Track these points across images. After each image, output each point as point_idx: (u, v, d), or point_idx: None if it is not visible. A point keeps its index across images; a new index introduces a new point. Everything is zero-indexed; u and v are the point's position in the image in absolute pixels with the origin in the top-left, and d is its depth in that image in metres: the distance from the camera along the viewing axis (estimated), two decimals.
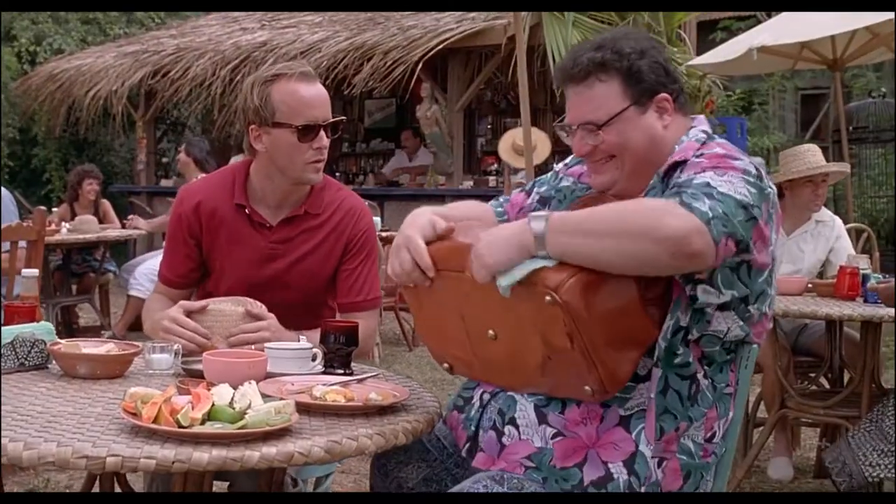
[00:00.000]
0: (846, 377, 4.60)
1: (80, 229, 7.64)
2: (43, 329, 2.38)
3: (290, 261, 2.85)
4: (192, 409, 1.85)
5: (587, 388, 1.93)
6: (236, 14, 13.78)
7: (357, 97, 12.16)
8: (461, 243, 2.05)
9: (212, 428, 1.81)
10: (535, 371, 1.98)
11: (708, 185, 1.90)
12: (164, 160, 14.60)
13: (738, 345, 2.10)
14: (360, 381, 2.28)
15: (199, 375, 2.25)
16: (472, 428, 2.13)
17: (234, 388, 1.94)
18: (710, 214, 1.82)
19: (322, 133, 2.78)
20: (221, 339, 2.53)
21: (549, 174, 2.39)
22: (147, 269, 7.87)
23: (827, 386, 4.69)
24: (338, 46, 10.76)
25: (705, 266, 1.88)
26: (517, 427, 2.05)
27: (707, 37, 12.08)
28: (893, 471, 3.42)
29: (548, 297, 1.85)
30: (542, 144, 8.94)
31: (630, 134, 2.11)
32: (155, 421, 1.81)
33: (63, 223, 7.74)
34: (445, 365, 2.20)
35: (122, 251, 11.05)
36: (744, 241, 1.88)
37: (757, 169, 2.00)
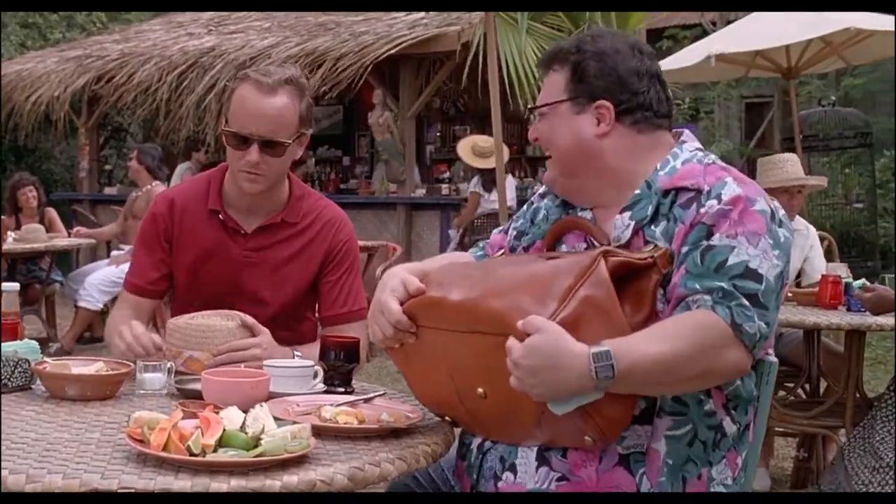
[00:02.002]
0: (822, 387, 4.57)
1: (26, 238, 7.42)
2: (26, 347, 2.23)
3: (266, 269, 2.75)
4: (203, 434, 1.73)
5: (587, 437, 1.88)
6: (181, 18, 13.52)
7: None
8: (435, 297, 1.99)
9: (227, 455, 1.69)
10: (532, 426, 1.92)
11: (748, 271, 1.86)
12: (107, 167, 14.29)
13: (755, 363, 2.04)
14: (366, 400, 2.18)
15: (194, 396, 2.13)
16: (475, 476, 2.06)
17: (243, 410, 1.83)
18: (757, 337, 1.86)
19: (253, 148, 2.61)
20: (212, 358, 2.40)
21: (524, 207, 2.31)
22: (96, 279, 7.67)
23: (804, 396, 4.66)
24: (288, 52, 10.56)
25: None
26: (515, 473, 1.99)
27: (654, 45, 12.12)
28: (893, 486, 3.38)
29: None
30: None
31: (558, 130, 2.07)
32: (165, 448, 1.69)
33: (9, 232, 7.50)
34: (448, 418, 2.11)
35: (65, 261, 10.76)
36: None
37: (772, 210, 1.94)
